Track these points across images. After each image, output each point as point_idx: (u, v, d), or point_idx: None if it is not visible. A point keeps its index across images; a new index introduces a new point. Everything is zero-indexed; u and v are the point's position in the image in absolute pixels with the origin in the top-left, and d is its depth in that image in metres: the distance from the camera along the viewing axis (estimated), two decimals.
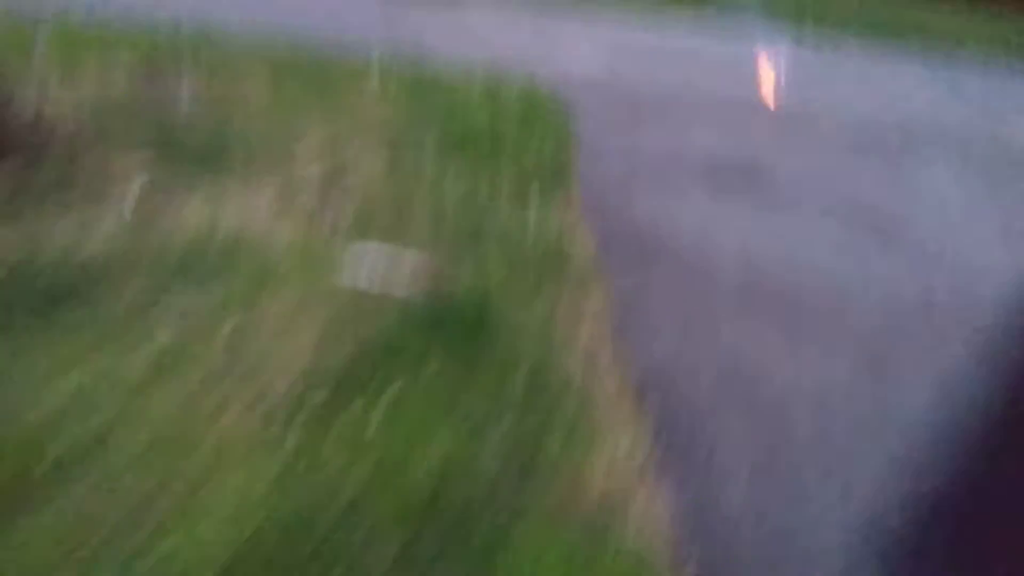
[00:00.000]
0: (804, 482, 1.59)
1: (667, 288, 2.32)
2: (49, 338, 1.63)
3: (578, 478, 1.47)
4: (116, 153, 2.49)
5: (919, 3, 8.53)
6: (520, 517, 1.35)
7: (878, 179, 3.54)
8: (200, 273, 1.94)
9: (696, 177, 3.23)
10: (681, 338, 2.06)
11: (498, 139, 3.20)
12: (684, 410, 1.75)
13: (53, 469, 1.31)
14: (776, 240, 2.75)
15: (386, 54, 4.11)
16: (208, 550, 1.20)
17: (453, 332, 1.84)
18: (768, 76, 4.88)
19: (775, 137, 3.92)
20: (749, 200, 3.08)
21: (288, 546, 1.23)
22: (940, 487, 1.58)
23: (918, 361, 2.09)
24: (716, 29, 6.22)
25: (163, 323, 1.73)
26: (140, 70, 3.28)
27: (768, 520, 1.47)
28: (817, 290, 2.42)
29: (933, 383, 1.97)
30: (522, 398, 1.66)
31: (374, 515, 1.31)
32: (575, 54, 4.95)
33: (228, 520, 1.26)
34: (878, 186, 3.44)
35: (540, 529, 1.33)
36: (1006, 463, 1.58)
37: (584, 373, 1.79)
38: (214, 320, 1.76)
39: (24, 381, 1.50)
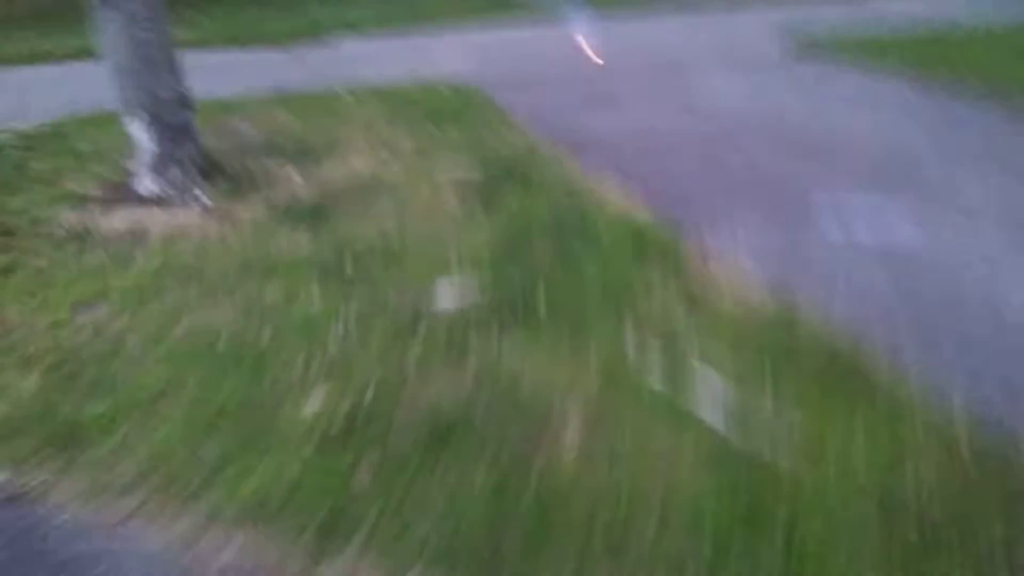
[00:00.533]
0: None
1: (576, 141, 4.28)
2: None
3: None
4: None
5: None
6: None
7: (677, 84, 5.74)
8: None
9: (580, 106, 5.25)
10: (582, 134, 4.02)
11: (455, 111, 5.06)
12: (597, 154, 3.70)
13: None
14: (621, 118, 4.82)
15: (337, 85, 5.84)
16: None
17: (507, 187, 3.68)
18: (589, 45, 7.06)
19: (612, 78, 6.05)
20: (612, 110, 5.14)
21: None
22: None
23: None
24: (547, 24, 8.44)
25: None
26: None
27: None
28: (642, 139, 4.50)
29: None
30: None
31: None
32: (452, 58, 6.88)
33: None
34: (678, 87, 5.64)
35: None
36: None
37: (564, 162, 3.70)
38: None
39: None
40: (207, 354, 2.33)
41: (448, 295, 2.59)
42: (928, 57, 6.05)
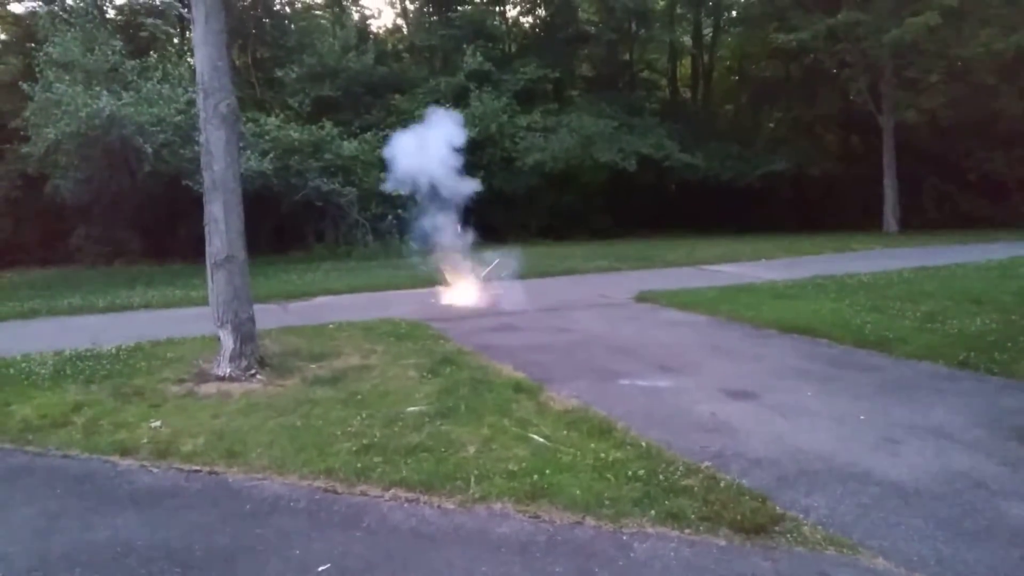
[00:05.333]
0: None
1: (487, 347, 6.90)
2: None
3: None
4: None
5: None
6: None
7: (556, 317, 8.63)
8: None
9: (491, 330, 8.00)
10: (490, 344, 6.63)
11: (407, 333, 7.70)
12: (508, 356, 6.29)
13: None
14: (517, 336, 7.54)
15: (322, 323, 8.47)
16: None
17: (445, 367, 6.22)
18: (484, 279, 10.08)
19: (514, 314, 8.91)
20: (512, 332, 7.90)
21: None
22: None
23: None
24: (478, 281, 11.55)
25: None
26: None
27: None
28: (531, 346, 7.21)
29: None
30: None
31: None
32: (401, 305, 9.70)
33: None
34: (557, 318, 8.52)
35: None
36: None
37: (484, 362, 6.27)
38: None
39: None
40: (291, 432, 4.61)
41: (414, 408, 5.00)
42: (720, 301, 9.25)
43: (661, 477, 3.74)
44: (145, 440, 4.53)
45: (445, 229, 11.82)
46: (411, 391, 5.45)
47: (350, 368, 6.22)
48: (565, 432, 4.46)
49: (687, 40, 29.10)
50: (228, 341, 6.06)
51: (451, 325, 8.31)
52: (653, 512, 3.36)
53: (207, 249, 6.19)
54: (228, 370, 6.01)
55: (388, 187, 13.89)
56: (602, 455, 4.04)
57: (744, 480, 3.73)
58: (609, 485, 3.67)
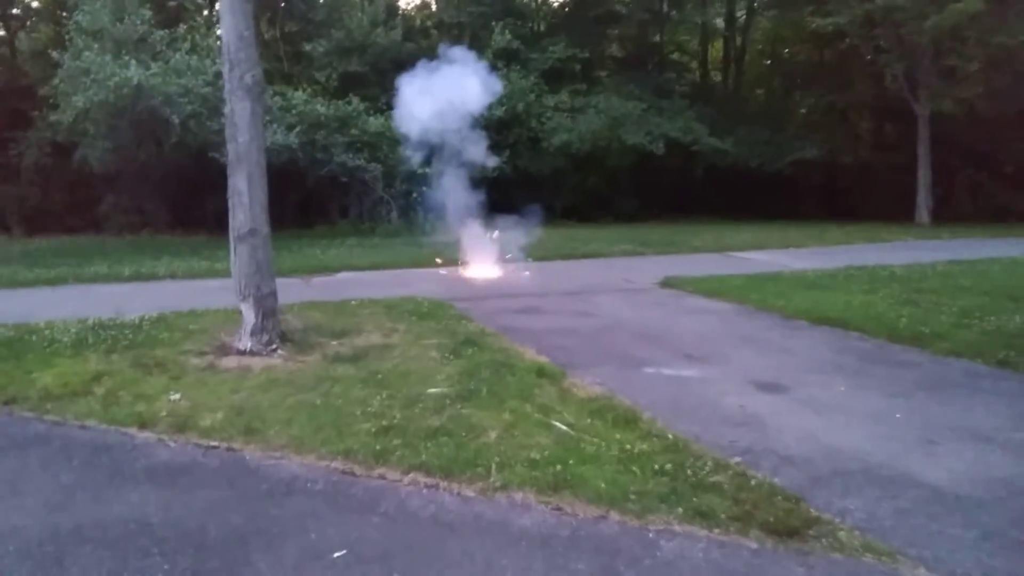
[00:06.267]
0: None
1: (509, 328, 6.78)
2: None
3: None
4: None
5: None
6: None
7: (580, 301, 8.49)
8: None
9: (515, 312, 7.88)
10: (513, 326, 6.51)
11: (429, 312, 7.60)
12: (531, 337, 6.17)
13: None
14: (541, 319, 7.42)
15: (343, 299, 8.41)
16: None
17: (467, 349, 6.11)
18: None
19: (539, 297, 8.78)
20: (535, 315, 7.78)
21: None
22: None
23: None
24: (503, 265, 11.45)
25: None
26: None
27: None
28: (553, 329, 7.08)
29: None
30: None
31: None
32: (424, 283, 9.62)
33: None
34: (581, 302, 8.38)
35: None
36: None
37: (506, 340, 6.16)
38: None
39: None
40: (310, 410, 4.54)
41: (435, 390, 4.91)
42: (748, 289, 9.04)
43: (689, 472, 3.60)
44: (164, 413, 4.49)
45: (469, 208, 11.74)
46: (432, 372, 5.36)
47: (371, 346, 6.14)
48: (589, 420, 4.34)
49: (719, 22, 28.47)
50: (250, 315, 6.00)
51: (474, 305, 8.20)
52: (680, 509, 3.23)
53: (230, 222, 6.12)
54: (249, 344, 5.96)
55: (406, 153, 14.01)
56: (627, 446, 3.92)
57: (776, 479, 3.58)
58: (635, 478, 3.54)
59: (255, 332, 5.98)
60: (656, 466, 3.67)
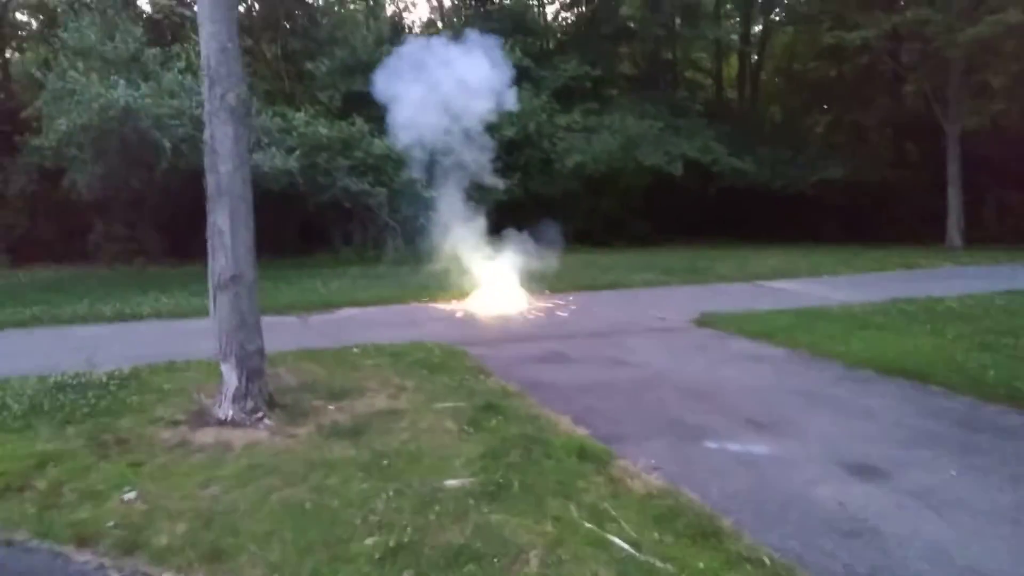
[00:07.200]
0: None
1: (532, 383, 5.83)
2: None
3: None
4: None
5: None
6: None
7: (610, 344, 7.53)
8: None
9: (538, 360, 6.93)
10: (539, 380, 5.55)
11: (441, 362, 6.65)
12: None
13: None
14: (568, 371, 6.46)
15: (344, 344, 7.47)
16: None
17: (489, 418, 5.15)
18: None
19: (561, 339, 7.83)
20: (561, 364, 6.82)
21: None
22: None
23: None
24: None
25: None
26: None
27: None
28: (586, 385, 6.11)
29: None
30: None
31: None
32: (433, 322, 8.66)
33: None
34: (611, 346, 7.42)
35: None
36: None
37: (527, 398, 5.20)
38: None
39: None
40: (297, 518, 3.58)
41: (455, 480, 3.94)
42: (796, 329, 8.07)
43: None
44: (111, 523, 3.53)
45: (478, 234, 10.84)
46: (449, 452, 4.39)
47: (375, 413, 5.18)
48: (656, 534, 3.36)
49: (734, 38, 27.70)
50: (232, 378, 5.06)
51: (490, 352, 7.25)
52: None
53: (210, 266, 5.22)
54: (230, 412, 5.02)
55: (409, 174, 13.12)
56: None
57: None
58: None
59: (238, 398, 5.03)
60: None
